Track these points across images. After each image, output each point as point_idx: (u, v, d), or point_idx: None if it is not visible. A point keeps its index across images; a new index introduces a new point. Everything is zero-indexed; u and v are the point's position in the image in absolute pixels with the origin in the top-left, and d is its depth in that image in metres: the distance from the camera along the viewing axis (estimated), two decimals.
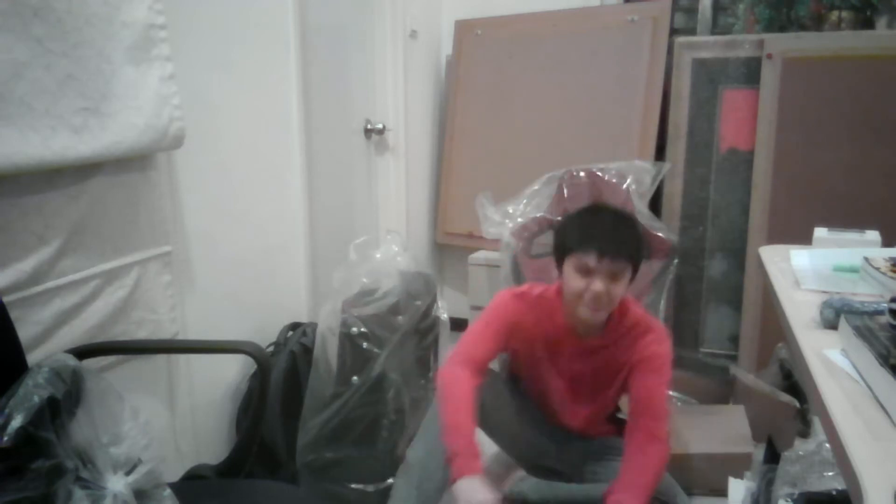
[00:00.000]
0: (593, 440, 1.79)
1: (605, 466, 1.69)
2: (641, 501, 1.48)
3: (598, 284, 1.53)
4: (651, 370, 1.63)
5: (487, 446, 1.78)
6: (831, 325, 0.89)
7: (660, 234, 2.40)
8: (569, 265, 1.59)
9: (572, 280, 1.57)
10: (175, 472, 1.52)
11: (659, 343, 1.67)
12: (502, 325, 1.70)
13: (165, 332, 1.61)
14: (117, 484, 1.04)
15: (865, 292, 1.00)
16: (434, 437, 1.56)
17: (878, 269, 1.01)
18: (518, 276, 2.41)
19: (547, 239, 2.58)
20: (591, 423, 1.80)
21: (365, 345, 1.84)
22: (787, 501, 1.37)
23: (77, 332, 1.37)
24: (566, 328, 1.69)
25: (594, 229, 1.59)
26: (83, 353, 1.32)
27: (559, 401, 1.78)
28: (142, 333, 1.54)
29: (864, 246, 1.23)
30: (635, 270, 1.61)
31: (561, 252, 1.63)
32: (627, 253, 1.56)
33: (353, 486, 1.84)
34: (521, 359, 1.80)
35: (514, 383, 1.86)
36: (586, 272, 1.55)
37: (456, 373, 1.59)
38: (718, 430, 2.11)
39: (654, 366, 1.64)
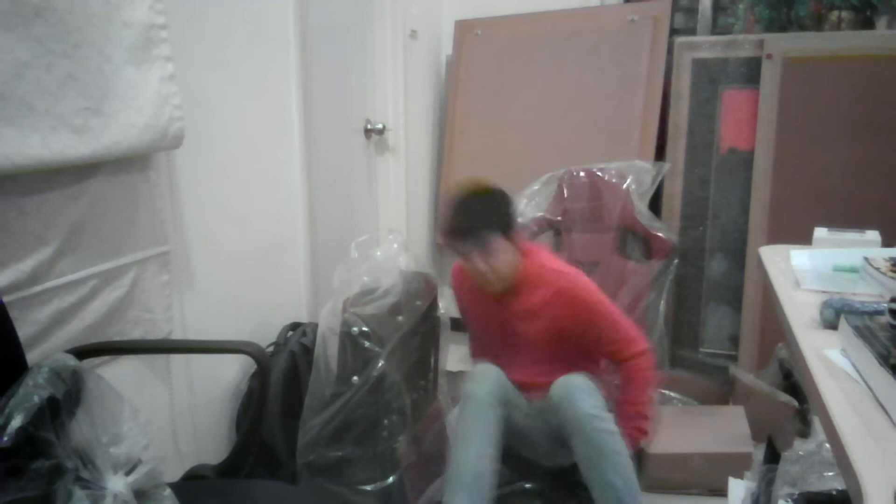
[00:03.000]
0: None
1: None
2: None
3: (472, 264, 1.73)
4: (595, 317, 1.76)
5: None
6: (831, 325, 0.88)
7: (660, 234, 2.40)
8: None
9: (464, 264, 1.80)
10: (175, 472, 1.52)
11: (576, 285, 1.79)
12: (457, 296, 1.99)
13: (160, 332, 1.60)
14: (117, 484, 1.04)
15: (865, 292, 1.00)
16: (481, 442, 1.64)
17: (878, 269, 1.01)
18: None
19: (547, 238, 2.59)
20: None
21: (366, 344, 1.84)
22: (787, 501, 1.37)
23: (74, 331, 1.36)
24: (489, 295, 1.85)
25: (447, 223, 1.79)
26: (83, 352, 1.32)
27: (523, 370, 1.85)
28: (137, 333, 1.54)
29: (864, 246, 1.23)
30: (505, 232, 1.73)
31: None
32: (471, 232, 1.71)
33: (353, 485, 1.84)
34: (481, 333, 2.00)
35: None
36: (463, 257, 1.77)
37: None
38: (718, 430, 2.11)
39: (596, 313, 1.76)
